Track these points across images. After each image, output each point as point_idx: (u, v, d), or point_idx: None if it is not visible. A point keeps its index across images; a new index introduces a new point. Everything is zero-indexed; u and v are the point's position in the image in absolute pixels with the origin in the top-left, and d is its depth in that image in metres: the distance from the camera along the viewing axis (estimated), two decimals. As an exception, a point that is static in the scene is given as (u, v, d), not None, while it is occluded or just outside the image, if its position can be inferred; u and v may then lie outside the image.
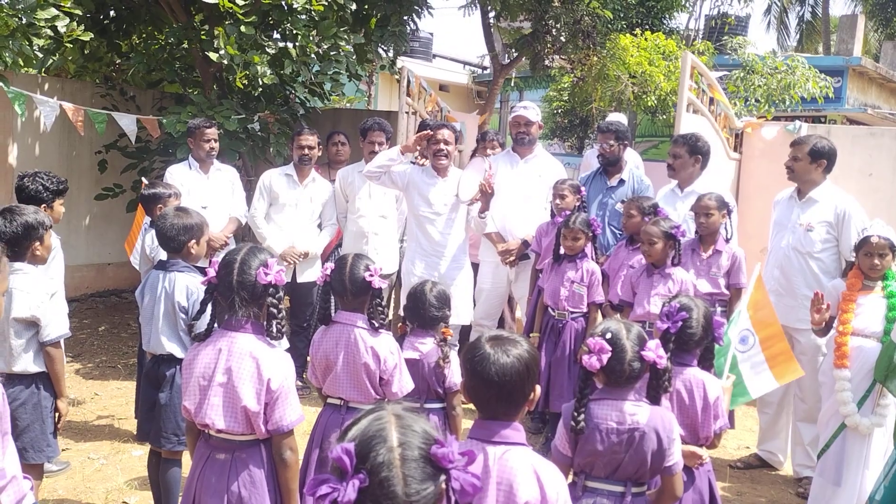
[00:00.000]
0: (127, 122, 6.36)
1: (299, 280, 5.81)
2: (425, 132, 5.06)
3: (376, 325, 3.15)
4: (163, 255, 3.78)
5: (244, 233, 6.72)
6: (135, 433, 4.67)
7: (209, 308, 2.71)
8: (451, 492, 1.41)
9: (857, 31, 16.83)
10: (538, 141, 5.81)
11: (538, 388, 2.13)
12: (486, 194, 4.98)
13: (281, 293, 2.65)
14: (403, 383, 3.19)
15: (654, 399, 2.60)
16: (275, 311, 2.61)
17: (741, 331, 3.73)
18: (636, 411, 2.51)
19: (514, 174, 5.61)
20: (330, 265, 3.27)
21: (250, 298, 2.58)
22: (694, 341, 3.02)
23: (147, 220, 4.71)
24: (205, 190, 5.60)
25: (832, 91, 10.97)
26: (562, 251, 4.88)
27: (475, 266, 5.82)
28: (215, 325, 2.69)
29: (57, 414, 3.53)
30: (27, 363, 3.39)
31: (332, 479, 1.37)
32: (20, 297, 3.32)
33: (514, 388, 2.06)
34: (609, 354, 2.50)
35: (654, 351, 2.55)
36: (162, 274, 3.61)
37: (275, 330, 2.61)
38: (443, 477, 1.40)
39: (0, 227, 3.31)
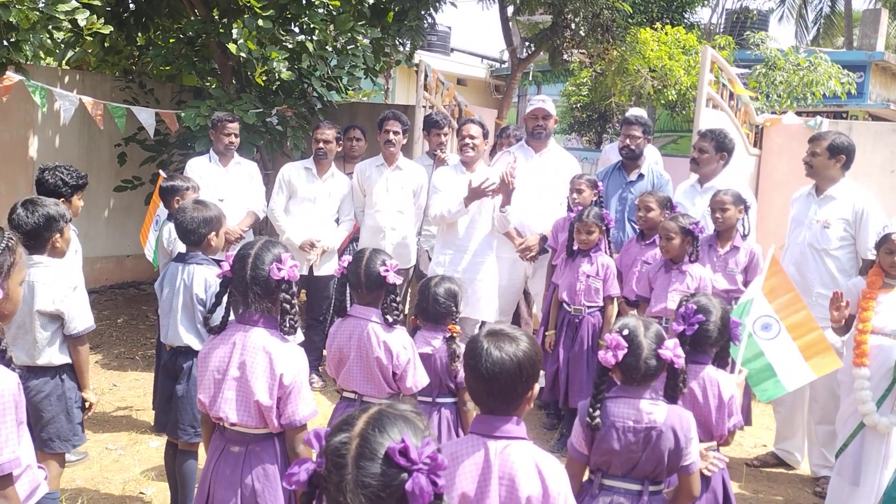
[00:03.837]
0: (145, 115, 6.40)
1: (316, 273, 5.82)
2: (485, 185, 4.95)
3: (390, 320, 3.14)
4: (181, 248, 3.79)
5: (262, 226, 6.75)
6: (152, 424, 4.72)
7: (224, 301, 2.71)
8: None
9: (881, 25, 16.61)
10: (552, 135, 5.78)
11: (536, 387, 2.10)
12: (506, 186, 4.94)
13: (294, 288, 2.64)
14: (418, 378, 3.18)
15: (671, 398, 2.59)
16: (288, 306, 2.61)
17: (760, 317, 3.66)
18: (653, 410, 2.50)
19: (530, 168, 5.57)
20: (348, 258, 3.27)
21: (263, 293, 2.58)
22: (709, 343, 3.00)
23: (164, 212, 4.74)
24: (223, 183, 5.63)
25: (854, 87, 10.84)
26: (575, 246, 4.86)
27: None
28: (230, 318, 2.70)
29: (87, 404, 3.56)
30: (52, 356, 3.39)
31: (308, 461, 1.41)
32: (42, 290, 3.31)
33: (506, 385, 2.02)
34: (625, 351, 2.49)
35: (672, 350, 2.54)
36: (181, 266, 3.62)
37: (287, 325, 2.61)
38: (404, 475, 1.35)
39: (21, 218, 3.32)
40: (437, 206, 5.20)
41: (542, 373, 5.29)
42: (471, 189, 4.98)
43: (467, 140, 5.20)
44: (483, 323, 5.15)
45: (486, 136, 5.32)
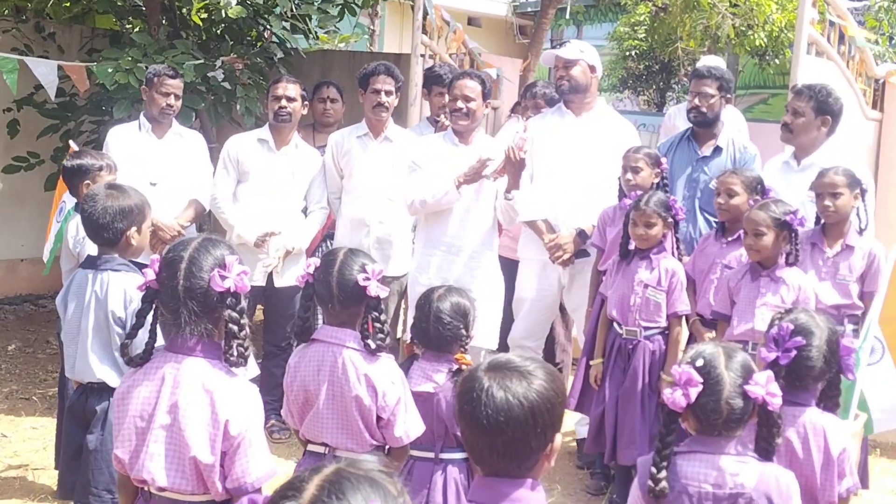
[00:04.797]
0: (45, 70, 6.39)
1: (277, 284, 5.80)
2: (481, 163, 4.97)
3: (373, 345, 3.14)
4: (92, 249, 3.78)
5: (207, 221, 6.73)
6: (55, 488, 4.71)
7: (149, 321, 2.70)
8: None
9: None
10: (599, 95, 5.74)
11: (558, 439, 2.07)
12: (512, 164, 4.92)
13: (244, 303, 2.64)
14: (410, 425, 3.19)
15: (765, 453, 2.59)
16: (235, 327, 2.60)
17: (870, 338, 3.68)
18: (740, 470, 2.51)
19: (567, 136, 5.53)
20: (315, 261, 3.27)
21: (202, 310, 2.57)
22: (812, 376, 2.99)
23: (72, 200, 4.73)
24: (157, 160, 5.63)
25: None
26: (631, 244, 4.83)
27: (514, 265, 5.77)
28: (158, 344, 2.69)
29: None
30: None
31: None
32: None
33: (515, 439, 1.99)
34: (699, 389, 2.48)
35: (765, 386, 2.53)
36: (91, 274, 3.62)
37: (235, 354, 2.60)
38: None
39: None
40: (415, 190, 5.18)
41: (585, 418, 5.27)
42: (472, 167, 4.98)
43: (460, 103, 5.17)
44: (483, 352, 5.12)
45: (487, 95, 5.29)
